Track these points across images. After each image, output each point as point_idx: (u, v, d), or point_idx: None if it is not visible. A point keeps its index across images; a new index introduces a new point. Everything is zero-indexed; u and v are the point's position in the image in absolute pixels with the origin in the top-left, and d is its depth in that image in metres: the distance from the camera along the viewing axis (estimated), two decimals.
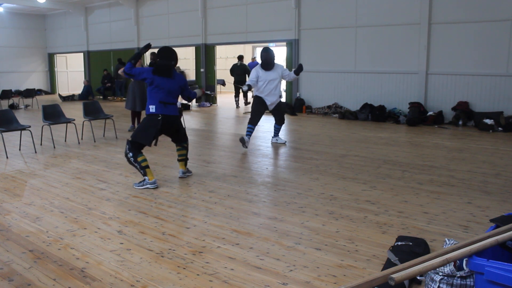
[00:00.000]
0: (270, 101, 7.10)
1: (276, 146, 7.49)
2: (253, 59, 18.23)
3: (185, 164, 5.38)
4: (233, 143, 7.44)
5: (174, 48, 5.11)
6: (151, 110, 4.85)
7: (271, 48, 7.59)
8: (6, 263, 3.09)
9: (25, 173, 5.81)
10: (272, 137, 7.74)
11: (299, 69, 7.26)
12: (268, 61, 7.01)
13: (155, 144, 5.15)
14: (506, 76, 9.16)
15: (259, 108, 7.13)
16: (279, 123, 7.51)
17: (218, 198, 4.56)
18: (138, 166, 4.84)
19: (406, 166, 5.86)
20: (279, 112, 7.35)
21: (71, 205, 4.39)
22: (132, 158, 4.82)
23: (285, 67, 13.72)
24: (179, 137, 5.23)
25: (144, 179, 4.88)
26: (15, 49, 20.40)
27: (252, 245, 3.35)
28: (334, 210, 4.15)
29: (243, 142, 6.92)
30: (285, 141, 7.69)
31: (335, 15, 11.54)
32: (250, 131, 7.08)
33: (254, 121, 7.11)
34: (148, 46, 5.10)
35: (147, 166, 4.85)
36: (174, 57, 4.96)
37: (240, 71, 14.08)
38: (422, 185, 4.95)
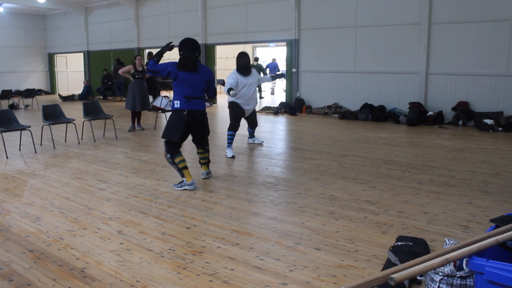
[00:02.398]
0: (247, 107, 6.78)
1: (275, 146, 7.49)
2: (273, 60, 18.46)
3: (208, 166, 5.37)
4: (235, 145, 7.42)
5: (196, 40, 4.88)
6: (176, 106, 4.76)
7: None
8: (6, 263, 3.09)
9: (25, 173, 5.81)
10: (249, 138, 7.66)
11: (278, 76, 7.04)
12: (247, 66, 6.66)
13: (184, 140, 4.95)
14: (506, 76, 9.15)
15: (237, 112, 6.76)
16: (252, 127, 7.41)
17: (218, 198, 4.56)
18: (176, 168, 4.83)
19: (406, 166, 5.86)
20: (253, 117, 7.18)
21: (71, 205, 4.39)
22: (170, 160, 4.81)
23: (285, 67, 13.85)
24: (203, 137, 5.12)
25: (182, 180, 4.84)
26: (15, 49, 20.40)
27: (252, 245, 3.35)
28: (334, 210, 4.15)
29: (233, 157, 6.57)
30: (262, 141, 7.62)
31: (335, 15, 11.54)
32: (231, 138, 6.73)
33: (234, 127, 6.77)
34: (170, 46, 4.83)
35: (185, 167, 4.80)
36: (197, 48, 4.79)
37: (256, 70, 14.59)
38: (422, 185, 4.95)
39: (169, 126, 4.83)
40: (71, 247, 3.36)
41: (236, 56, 6.86)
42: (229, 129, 6.79)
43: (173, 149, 4.82)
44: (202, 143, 5.18)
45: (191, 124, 4.81)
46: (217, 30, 14.44)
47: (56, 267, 3.02)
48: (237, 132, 6.85)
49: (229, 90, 6.34)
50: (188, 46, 4.72)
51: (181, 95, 4.72)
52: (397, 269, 2.04)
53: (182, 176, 4.81)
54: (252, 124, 7.31)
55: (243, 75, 6.62)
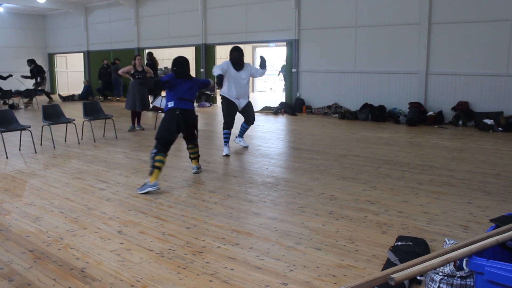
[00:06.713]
0: (240, 103, 6.74)
1: (275, 146, 7.49)
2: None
3: (198, 161, 5.66)
4: (233, 143, 7.43)
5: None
6: (169, 106, 5.18)
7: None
8: (6, 263, 3.09)
9: (25, 173, 5.80)
10: (236, 137, 7.30)
11: (263, 62, 6.94)
12: (239, 61, 6.60)
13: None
14: (506, 76, 9.15)
15: (231, 109, 6.71)
16: (248, 123, 7.05)
17: (218, 198, 4.56)
18: (151, 163, 4.90)
19: (406, 166, 5.86)
20: (249, 111, 6.92)
21: (71, 205, 4.39)
22: (153, 154, 4.92)
23: (284, 66, 13.86)
24: (194, 134, 5.49)
25: (145, 183, 4.82)
26: (15, 49, 20.38)
27: (252, 245, 3.35)
28: (334, 210, 4.15)
29: (227, 155, 6.61)
30: (247, 145, 7.30)
31: (335, 15, 11.54)
32: (227, 137, 6.72)
33: (229, 125, 6.71)
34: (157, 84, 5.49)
35: (159, 168, 4.85)
36: (189, 65, 5.48)
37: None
38: (422, 185, 4.95)
39: (163, 125, 5.14)
40: (71, 247, 3.36)
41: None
42: (224, 128, 6.74)
43: (163, 147, 4.97)
44: (193, 139, 5.55)
45: (183, 121, 5.16)
46: (217, 30, 14.44)
47: (56, 267, 3.02)
48: (236, 132, 6.84)
49: (219, 75, 6.42)
50: (183, 63, 5.37)
51: (176, 96, 5.19)
52: (397, 269, 2.04)
53: (150, 173, 4.84)
54: (249, 118, 6.97)
55: (236, 70, 6.60)
